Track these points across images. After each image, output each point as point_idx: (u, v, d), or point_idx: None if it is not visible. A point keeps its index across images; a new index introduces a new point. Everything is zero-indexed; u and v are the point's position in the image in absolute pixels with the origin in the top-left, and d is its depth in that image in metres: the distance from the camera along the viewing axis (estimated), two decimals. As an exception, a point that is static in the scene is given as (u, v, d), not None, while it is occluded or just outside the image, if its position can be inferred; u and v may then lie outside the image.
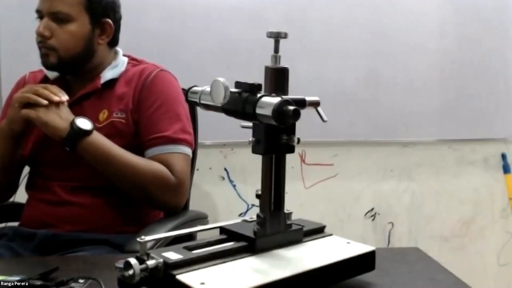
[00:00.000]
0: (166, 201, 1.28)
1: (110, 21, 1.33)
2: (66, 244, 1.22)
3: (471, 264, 2.29)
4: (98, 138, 1.21)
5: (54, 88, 1.23)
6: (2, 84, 1.96)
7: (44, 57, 1.29)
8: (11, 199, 1.38)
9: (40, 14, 1.28)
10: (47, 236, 1.24)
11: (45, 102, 1.18)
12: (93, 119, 1.28)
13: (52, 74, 1.36)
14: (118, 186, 1.25)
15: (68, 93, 1.28)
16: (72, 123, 1.19)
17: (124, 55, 1.41)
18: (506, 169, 2.28)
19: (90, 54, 1.33)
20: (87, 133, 1.20)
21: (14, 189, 1.37)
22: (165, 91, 1.33)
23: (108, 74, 1.33)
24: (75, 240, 1.23)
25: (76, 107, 1.29)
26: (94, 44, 1.33)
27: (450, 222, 2.29)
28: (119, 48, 1.41)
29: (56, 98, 1.20)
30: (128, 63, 1.38)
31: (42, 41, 1.27)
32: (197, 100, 0.78)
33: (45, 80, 1.37)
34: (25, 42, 1.92)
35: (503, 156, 2.28)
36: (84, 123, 1.20)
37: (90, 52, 1.32)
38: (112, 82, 1.33)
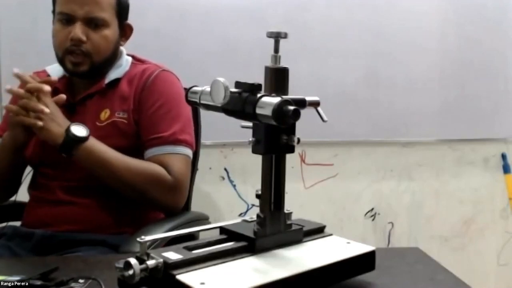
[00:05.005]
0: (164, 201, 1.28)
1: (130, 24, 1.36)
2: (63, 244, 1.22)
3: (471, 264, 2.29)
4: (93, 144, 1.20)
5: (47, 98, 1.19)
6: (2, 84, 1.96)
7: (75, 65, 1.26)
8: (13, 198, 1.38)
9: (67, 17, 1.24)
10: (44, 236, 1.24)
11: (47, 110, 1.16)
12: (95, 118, 1.28)
13: (56, 74, 1.34)
14: (115, 188, 1.25)
15: (72, 92, 1.27)
16: (67, 130, 1.18)
17: (128, 55, 1.40)
18: (506, 169, 2.28)
19: (115, 58, 1.34)
20: (82, 140, 1.18)
21: (16, 189, 1.37)
22: (165, 91, 1.33)
23: (112, 74, 1.33)
24: (72, 240, 1.22)
25: (79, 107, 1.29)
26: (118, 47, 1.34)
27: (450, 222, 2.29)
28: (122, 48, 1.41)
29: (46, 110, 1.16)
30: (132, 63, 1.38)
31: (78, 46, 1.24)
32: (197, 100, 0.78)
33: None
34: (25, 42, 1.94)
35: (503, 156, 2.28)
36: (79, 130, 1.19)
37: (115, 55, 1.33)
38: (116, 82, 1.33)
